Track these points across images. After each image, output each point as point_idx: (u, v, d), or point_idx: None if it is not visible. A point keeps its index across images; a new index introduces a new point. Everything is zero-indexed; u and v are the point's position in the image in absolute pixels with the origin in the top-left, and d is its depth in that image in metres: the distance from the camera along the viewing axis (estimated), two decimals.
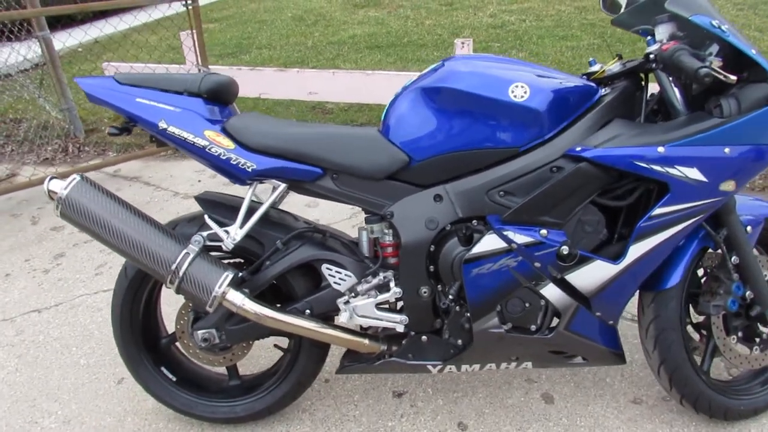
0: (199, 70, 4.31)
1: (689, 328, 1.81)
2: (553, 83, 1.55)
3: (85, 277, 2.84)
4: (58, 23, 6.14)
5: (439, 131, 1.58)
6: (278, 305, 1.72)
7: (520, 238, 1.53)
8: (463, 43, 3.69)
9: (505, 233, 1.53)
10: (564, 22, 6.11)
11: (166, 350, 1.92)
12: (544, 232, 1.54)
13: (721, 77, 1.40)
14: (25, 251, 3.14)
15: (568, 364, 1.74)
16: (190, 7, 4.11)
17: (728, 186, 1.51)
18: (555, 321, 1.65)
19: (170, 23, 4.49)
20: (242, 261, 1.80)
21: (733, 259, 1.66)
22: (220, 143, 1.58)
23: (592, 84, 1.61)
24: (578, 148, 1.49)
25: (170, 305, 2.04)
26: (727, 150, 1.47)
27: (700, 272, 1.78)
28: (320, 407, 1.99)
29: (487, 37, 5.88)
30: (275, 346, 1.92)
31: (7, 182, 4.03)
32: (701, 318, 1.79)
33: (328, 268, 1.69)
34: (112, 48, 6.24)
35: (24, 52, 5.13)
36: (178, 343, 1.89)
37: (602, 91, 1.61)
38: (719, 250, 1.67)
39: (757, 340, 1.77)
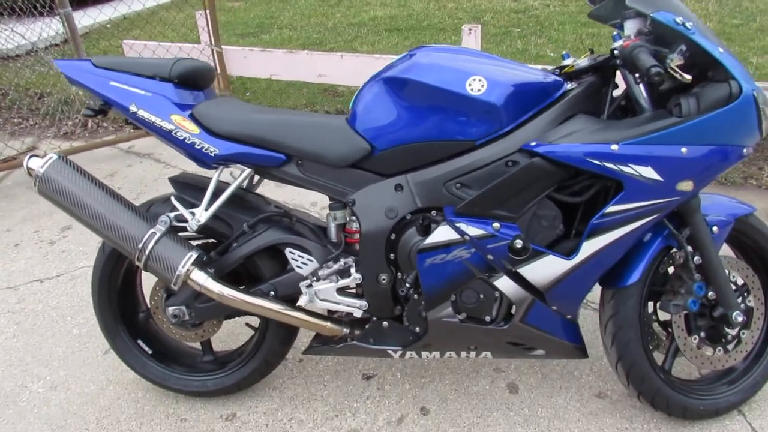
0: (212, 50, 4.37)
1: (656, 326, 1.81)
2: (514, 77, 1.55)
3: (87, 250, 2.96)
4: (86, 1, 6.28)
5: (399, 122, 1.60)
6: (242, 286, 1.77)
7: (473, 230, 1.55)
8: (470, 29, 3.66)
9: (457, 225, 1.55)
10: (588, 8, 5.97)
11: (143, 324, 2.01)
12: (496, 225, 1.55)
13: (677, 76, 1.38)
14: (36, 223, 3.28)
15: (528, 355, 1.75)
16: None
17: (686, 186, 1.49)
18: (511, 313, 1.67)
19: (197, 1, 4.56)
20: (215, 242, 1.86)
21: (695, 258, 1.65)
22: (185, 128, 1.63)
23: (558, 78, 1.60)
24: (533, 143, 1.50)
25: (153, 280, 2.12)
26: (684, 150, 1.45)
27: (672, 270, 1.77)
28: (290, 386, 2.06)
29: (508, 22, 5.80)
30: (246, 324, 1.98)
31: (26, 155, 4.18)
32: (668, 316, 1.79)
33: (291, 252, 1.74)
34: (139, 25, 6.36)
35: (55, 27, 5.30)
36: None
37: (568, 86, 1.60)
38: (682, 250, 1.66)
39: (723, 341, 1.75)
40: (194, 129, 1.64)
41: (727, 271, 1.72)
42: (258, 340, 1.90)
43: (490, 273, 1.59)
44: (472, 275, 1.60)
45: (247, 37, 6.13)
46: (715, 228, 1.65)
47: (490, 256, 1.57)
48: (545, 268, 1.57)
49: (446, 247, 1.57)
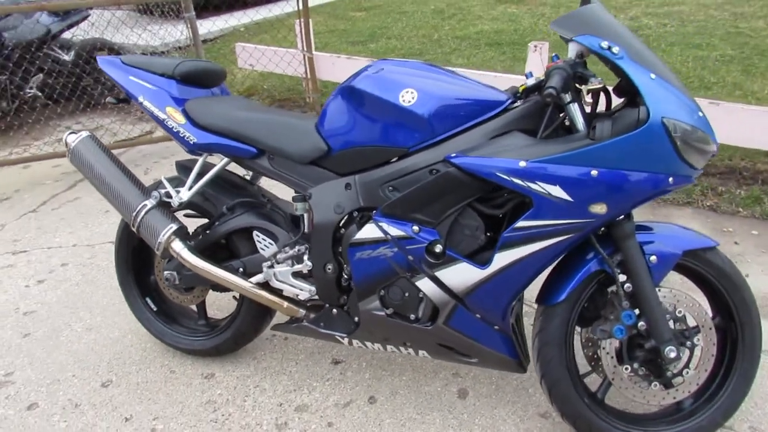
0: (304, 55, 4.75)
1: (591, 350, 1.78)
2: (448, 92, 1.64)
3: None
4: (206, 8, 7.12)
5: (349, 126, 1.76)
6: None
7: (394, 230, 1.67)
8: (536, 46, 3.67)
9: (381, 224, 1.68)
10: (707, 30, 5.59)
11: (152, 285, 2.33)
12: (416, 228, 1.65)
13: (584, 101, 1.42)
14: None
15: (460, 360, 1.82)
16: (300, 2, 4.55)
17: (599, 209, 1.50)
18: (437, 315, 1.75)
19: (328, 9, 4.97)
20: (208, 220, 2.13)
21: (626, 286, 1.63)
22: (174, 118, 1.92)
23: (501, 96, 1.66)
24: (453, 154, 1.58)
25: None
26: (594, 172, 1.46)
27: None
28: (268, 358, 2.28)
29: None
30: (233, 297, 2.23)
31: (142, 138, 4.81)
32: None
33: (257, 234, 1.96)
34: (269, 30, 7.01)
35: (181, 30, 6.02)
36: None
37: (509, 103, 1.65)
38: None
39: (660, 376, 1.69)
40: (181, 120, 1.92)
41: (672, 306, 1.67)
42: (235, 312, 2.15)
43: (412, 273, 1.70)
44: (396, 273, 1.71)
45: (356, 44, 6.49)
46: (653, 257, 1.61)
47: (410, 257, 1.67)
48: (460, 275, 1.64)
49: (372, 244, 1.70)
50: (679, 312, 1.68)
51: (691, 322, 1.69)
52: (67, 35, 5.25)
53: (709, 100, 3.11)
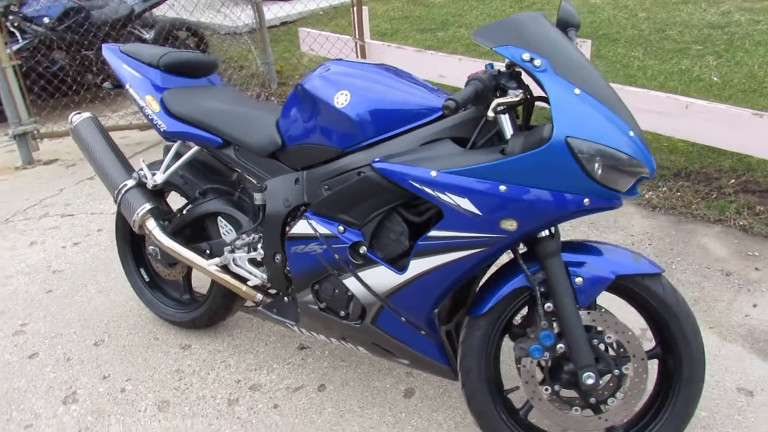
0: (356, 43, 4.81)
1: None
2: (382, 96, 1.65)
3: None
4: None
5: (297, 123, 1.81)
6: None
7: (322, 228, 1.71)
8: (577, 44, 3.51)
9: (311, 221, 1.73)
10: None
11: (146, 258, 2.52)
12: (341, 228, 1.68)
13: (490, 113, 1.39)
14: None
15: (394, 360, 1.85)
16: None
17: (509, 225, 1.46)
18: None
19: None
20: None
21: (546, 305, 1.58)
22: (151, 106, 2.06)
23: (437, 103, 1.65)
24: (377, 159, 1.59)
25: None
26: (503, 188, 1.43)
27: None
28: (242, 337, 2.41)
29: (693, 38, 5.20)
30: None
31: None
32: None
33: (221, 220, 2.07)
34: (346, 14, 7.13)
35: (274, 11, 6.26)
36: None
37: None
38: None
39: (582, 403, 1.63)
40: (156, 108, 2.05)
41: (602, 330, 1.60)
42: (208, 290, 2.28)
43: (338, 271, 1.73)
44: (326, 270, 1.76)
45: (425, 32, 6.46)
46: (579, 279, 1.55)
47: (336, 256, 1.71)
48: (380, 277, 1.66)
49: (304, 239, 1.76)
50: (609, 338, 1.61)
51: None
52: (148, 15, 5.65)
53: (753, 111, 2.85)
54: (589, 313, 1.60)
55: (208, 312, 2.30)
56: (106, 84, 2.30)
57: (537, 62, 1.42)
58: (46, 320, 2.59)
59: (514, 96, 1.43)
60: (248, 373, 2.21)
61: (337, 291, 1.78)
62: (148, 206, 2.10)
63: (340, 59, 1.86)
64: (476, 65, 4.01)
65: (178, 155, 2.13)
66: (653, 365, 1.69)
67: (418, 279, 1.61)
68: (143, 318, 2.55)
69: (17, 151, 4.33)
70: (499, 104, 1.41)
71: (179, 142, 2.12)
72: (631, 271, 1.57)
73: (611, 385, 1.63)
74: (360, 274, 1.69)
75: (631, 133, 1.44)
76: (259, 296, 2.06)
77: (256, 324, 2.47)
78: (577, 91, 1.42)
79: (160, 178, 2.12)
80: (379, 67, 1.79)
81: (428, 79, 4.80)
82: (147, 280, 2.49)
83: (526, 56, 1.42)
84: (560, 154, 1.37)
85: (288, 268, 1.88)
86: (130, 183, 2.12)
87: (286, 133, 1.85)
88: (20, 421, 2.07)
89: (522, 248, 1.65)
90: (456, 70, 4.12)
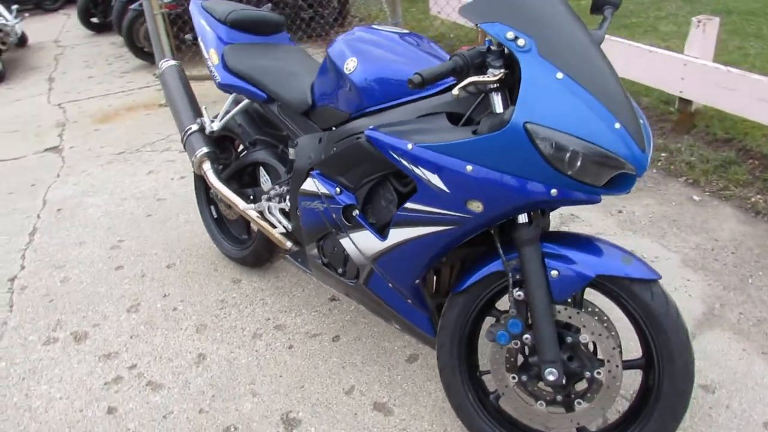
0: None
1: None
2: (389, 66, 1.66)
3: None
4: None
5: (321, 85, 1.90)
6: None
7: (322, 188, 1.79)
8: (700, 21, 3.17)
9: (315, 180, 1.82)
10: None
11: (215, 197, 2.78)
12: (338, 189, 1.75)
13: (463, 91, 1.36)
14: None
15: (389, 323, 1.91)
16: None
17: (475, 206, 1.43)
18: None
19: None
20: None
21: (518, 294, 1.54)
22: (212, 59, 2.25)
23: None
24: (371, 127, 1.63)
25: None
26: (469, 167, 1.40)
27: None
28: (284, 279, 2.60)
29: None
30: None
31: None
32: None
33: (262, 170, 2.24)
34: None
35: None
36: None
37: (447, 85, 1.62)
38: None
39: (548, 398, 1.59)
40: (216, 61, 2.24)
41: (577, 329, 1.54)
42: (256, 233, 2.49)
43: (336, 230, 1.81)
44: (326, 227, 1.85)
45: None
46: (555, 272, 1.49)
47: (333, 215, 1.79)
48: (366, 241, 1.71)
49: (311, 196, 1.86)
50: (584, 338, 1.53)
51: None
52: None
53: None
54: (566, 309, 1.53)
55: (254, 252, 2.51)
56: (188, 36, 2.55)
57: (521, 42, 1.36)
58: (138, 240, 2.99)
59: (492, 75, 1.38)
60: (278, 314, 2.40)
61: (335, 249, 1.87)
62: (204, 150, 2.32)
63: (370, 26, 1.89)
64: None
65: (235, 107, 2.32)
66: (636, 375, 1.58)
67: (396, 248, 1.64)
68: (211, 250, 2.84)
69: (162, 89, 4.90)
70: (472, 83, 1.37)
71: (233, 95, 2.30)
72: (614, 273, 1.47)
73: (582, 386, 1.56)
74: (351, 235, 1.76)
75: (617, 125, 1.33)
76: (289, 244, 2.21)
77: (298, 278, 2.64)
78: (559, 75, 1.33)
79: (216, 125, 2.33)
80: (403, 37, 1.80)
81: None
82: (215, 216, 2.76)
83: (510, 35, 1.36)
84: (518, 140, 1.31)
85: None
86: (194, 127, 2.36)
87: (315, 94, 1.95)
88: (91, 319, 2.46)
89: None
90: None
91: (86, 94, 5.39)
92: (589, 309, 1.58)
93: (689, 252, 2.58)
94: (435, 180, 1.47)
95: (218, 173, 2.35)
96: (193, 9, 2.46)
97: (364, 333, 2.26)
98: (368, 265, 1.78)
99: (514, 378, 1.61)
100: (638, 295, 1.48)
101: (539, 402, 1.60)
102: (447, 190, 1.46)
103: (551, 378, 1.50)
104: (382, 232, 1.69)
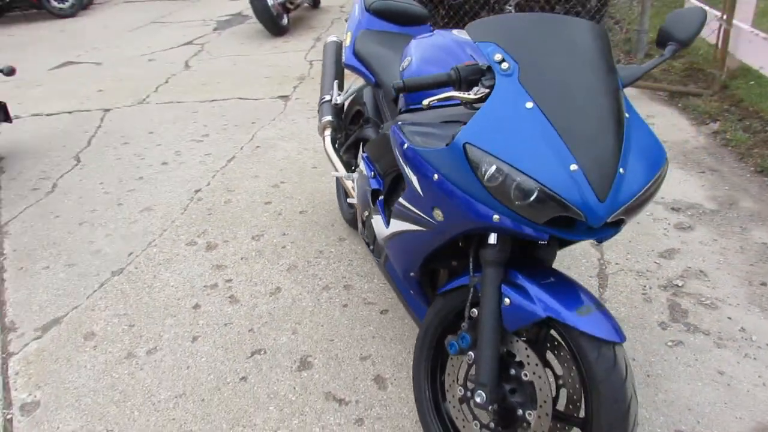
0: (720, 24, 4.13)
1: None
2: (429, 68, 1.75)
3: None
4: None
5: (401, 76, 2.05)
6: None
7: (365, 168, 1.97)
8: None
9: (362, 160, 2.00)
10: None
11: None
12: (373, 173, 1.92)
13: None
14: None
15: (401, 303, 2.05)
16: None
17: (437, 215, 1.49)
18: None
19: None
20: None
21: (473, 310, 1.55)
22: (346, 41, 2.52)
23: None
24: (399, 122, 1.75)
25: None
26: (435, 176, 1.46)
27: None
28: (361, 253, 2.84)
29: None
30: None
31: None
32: None
33: (362, 144, 2.48)
34: None
35: None
36: None
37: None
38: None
39: (477, 419, 1.59)
40: (347, 43, 2.51)
41: (521, 364, 1.51)
42: None
43: (369, 211, 1.99)
44: (367, 204, 2.03)
45: None
46: (507, 300, 1.47)
47: (368, 196, 1.96)
48: (377, 225, 1.86)
49: (362, 173, 2.05)
50: (525, 375, 1.49)
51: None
52: None
53: None
54: (517, 341, 1.51)
55: (354, 214, 2.79)
56: (346, 19, 2.85)
57: (505, 65, 1.36)
58: (294, 184, 3.50)
59: (473, 93, 1.41)
60: (353, 276, 2.66)
61: (370, 227, 2.05)
62: (328, 118, 2.64)
63: (449, 30, 1.97)
64: None
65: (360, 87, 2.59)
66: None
67: (393, 238, 1.77)
68: (334, 204, 3.21)
69: None
70: (450, 97, 1.41)
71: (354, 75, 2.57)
72: (564, 320, 1.40)
73: (513, 422, 1.53)
74: (374, 217, 1.92)
75: (573, 167, 1.27)
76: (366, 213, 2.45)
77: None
78: (529, 104, 1.31)
79: (340, 99, 2.63)
80: (460, 42, 1.85)
81: None
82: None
83: (498, 56, 1.37)
84: (458, 158, 1.33)
85: None
86: (327, 97, 2.69)
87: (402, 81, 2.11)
88: (226, 236, 3.02)
89: None
90: None
91: None
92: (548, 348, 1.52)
93: None
94: (415, 182, 1.56)
95: (333, 140, 2.66)
96: None
97: (373, 294, 2.42)
98: (384, 248, 1.93)
99: (460, 390, 1.64)
100: (584, 349, 1.40)
101: (474, 422, 1.61)
102: (421, 194, 1.54)
103: (478, 400, 1.50)
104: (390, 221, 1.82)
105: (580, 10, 5.88)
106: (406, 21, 2.54)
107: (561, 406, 1.55)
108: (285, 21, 7.20)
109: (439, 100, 1.42)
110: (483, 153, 1.31)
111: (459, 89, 1.45)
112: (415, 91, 1.45)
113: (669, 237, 2.81)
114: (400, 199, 1.67)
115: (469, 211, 1.39)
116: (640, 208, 1.38)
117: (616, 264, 2.64)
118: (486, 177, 1.31)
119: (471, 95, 1.41)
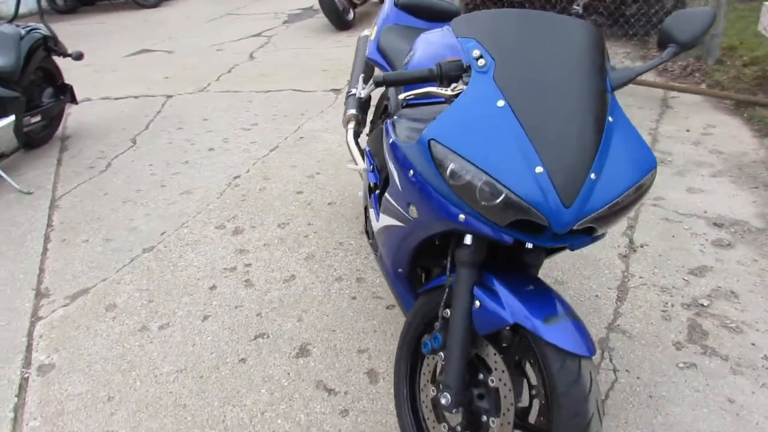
0: None
1: None
2: (429, 63, 1.73)
3: None
4: None
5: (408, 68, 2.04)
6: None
7: (364, 163, 1.97)
8: None
9: (365, 153, 2.00)
10: None
11: None
12: (371, 167, 1.91)
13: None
14: None
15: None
16: None
17: (413, 211, 1.48)
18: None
19: None
20: None
21: (446, 310, 1.53)
22: (372, 34, 2.53)
23: None
24: (395, 116, 1.74)
25: None
26: (411, 172, 1.44)
27: None
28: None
29: None
30: None
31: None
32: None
33: None
34: None
35: None
36: None
37: None
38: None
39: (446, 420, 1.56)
40: (372, 36, 2.52)
41: (488, 370, 1.47)
42: None
43: (367, 204, 1.99)
44: (364, 199, 2.03)
45: None
46: (477, 303, 1.44)
47: (366, 189, 1.97)
48: (372, 219, 1.86)
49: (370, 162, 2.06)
50: (492, 381, 1.46)
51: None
52: None
53: None
54: (487, 345, 1.48)
55: None
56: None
57: (481, 62, 1.33)
58: (328, 177, 3.55)
59: (450, 90, 1.38)
60: (367, 269, 2.67)
61: (368, 220, 2.05)
62: (352, 111, 2.66)
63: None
64: None
65: None
66: None
67: (383, 233, 1.76)
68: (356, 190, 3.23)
69: None
70: (426, 93, 1.39)
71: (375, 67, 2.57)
72: (529, 327, 1.36)
73: (479, 428, 1.50)
74: (370, 210, 1.93)
75: (539, 169, 1.22)
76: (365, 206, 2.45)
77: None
78: (500, 103, 1.28)
79: (363, 93, 2.64)
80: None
81: None
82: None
83: (476, 53, 1.34)
84: (424, 154, 1.31)
85: None
86: (353, 91, 2.71)
87: None
88: (253, 222, 3.10)
89: None
90: None
91: None
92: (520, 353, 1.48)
93: None
94: (396, 177, 1.55)
95: (356, 134, 2.67)
96: None
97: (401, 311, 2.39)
98: (378, 240, 1.93)
99: (433, 391, 1.62)
100: (548, 360, 1.35)
101: (443, 424, 1.59)
102: (400, 189, 1.53)
103: (443, 401, 1.49)
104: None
105: (658, 10, 5.63)
106: (434, 16, 2.51)
107: (533, 417, 1.50)
108: (351, 16, 7.29)
109: (416, 95, 1.41)
110: (447, 150, 1.28)
111: (441, 85, 1.42)
112: (395, 86, 1.44)
113: (704, 254, 2.65)
114: (386, 194, 1.66)
115: (437, 209, 1.37)
116: (617, 217, 1.31)
117: (641, 278, 2.52)
118: (448, 174, 1.28)
119: (449, 91, 1.39)
